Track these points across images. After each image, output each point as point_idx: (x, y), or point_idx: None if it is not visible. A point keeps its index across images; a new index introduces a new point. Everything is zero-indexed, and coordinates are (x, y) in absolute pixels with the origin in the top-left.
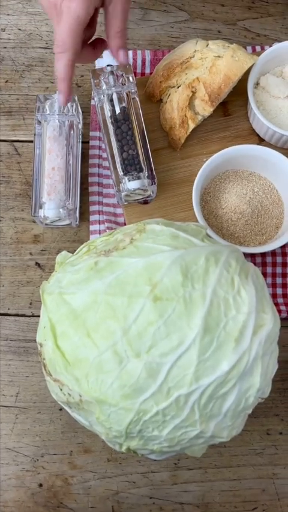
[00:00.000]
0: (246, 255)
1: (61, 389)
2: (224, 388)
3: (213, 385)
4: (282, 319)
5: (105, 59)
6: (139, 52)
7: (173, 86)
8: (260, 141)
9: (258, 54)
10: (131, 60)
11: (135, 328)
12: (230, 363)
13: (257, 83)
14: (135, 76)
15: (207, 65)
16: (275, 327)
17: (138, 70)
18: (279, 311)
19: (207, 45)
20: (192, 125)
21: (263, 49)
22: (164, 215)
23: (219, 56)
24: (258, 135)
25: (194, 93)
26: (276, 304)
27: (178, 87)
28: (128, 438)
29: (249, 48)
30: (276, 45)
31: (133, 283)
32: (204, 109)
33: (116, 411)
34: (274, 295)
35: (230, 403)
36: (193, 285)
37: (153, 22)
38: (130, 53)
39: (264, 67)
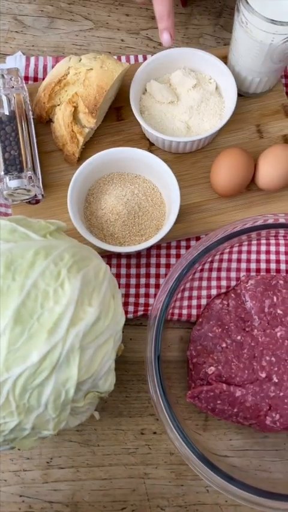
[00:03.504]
0: (131, 256)
1: None
2: (38, 379)
3: (25, 375)
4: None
5: (8, 63)
6: (41, 58)
7: (58, 105)
8: (150, 145)
9: None
10: (32, 66)
11: None
12: (40, 353)
13: (146, 89)
14: (37, 81)
15: (82, 79)
16: (103, 321)
17: (40, 75)
18: (136, 311)
19: (80, 61)
20: (81, 139)
21: None
22: (52, 215)
23: (91, 69)
24: (149, 139)
25: (76, 108)
26: (137, 304)
27: (61, 105)
28: None
29: (149, 56)
30: (160, 53)
31: None
32: (88, 121)
33: None
34: (132, 295)
35: (48, 394)
36: (14, 277)
37: (59, 30)
38: (32, 59)
39: (151, 73)
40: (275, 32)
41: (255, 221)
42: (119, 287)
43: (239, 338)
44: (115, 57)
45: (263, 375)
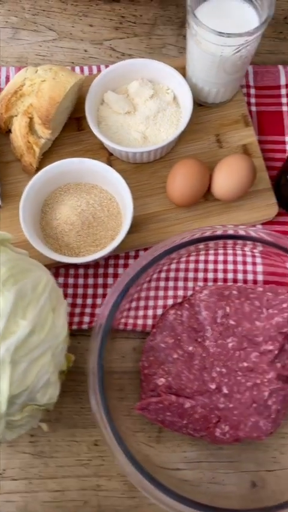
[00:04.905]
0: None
1: None
2: None
3: None
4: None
5: None
6: (3, 69)
7: (15, 116)
8: (110, 155)
9: None
10: None
11: None
12: None
13: (104, 100)
14: None
15: (36, 90)
16: (38, 334)
17: (2, 86)
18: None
19: (36, 72)
20: (37, 149)
21: None
22: (10, 225)
23: (44, 80)
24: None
25: (31, 119)
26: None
27: (18, 116)
28: None
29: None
30: (117, 64)
31: None
32: (43, 132)
33: None
34: (89, 305)
35: None
36: None
37: (23, 41)
38: None
39: (109, 84)
40: (223, 44)
41: (204, 232)
42: (76, 297)
43: (190, 348)
44: (78, 67)
45: (213, 386)
